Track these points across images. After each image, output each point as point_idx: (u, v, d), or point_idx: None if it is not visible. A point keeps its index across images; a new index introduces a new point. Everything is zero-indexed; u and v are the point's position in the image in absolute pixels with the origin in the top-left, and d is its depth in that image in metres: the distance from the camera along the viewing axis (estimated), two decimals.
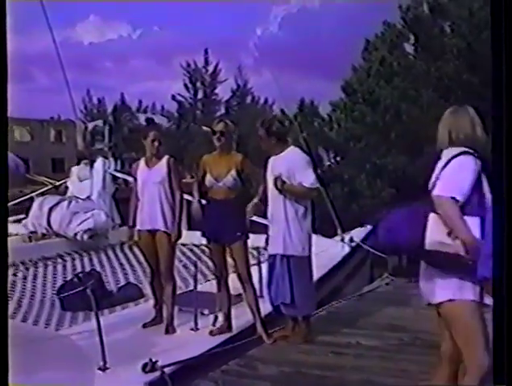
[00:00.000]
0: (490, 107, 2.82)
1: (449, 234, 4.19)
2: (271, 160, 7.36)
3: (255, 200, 7.35)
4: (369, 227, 14.91)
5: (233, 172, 7.21)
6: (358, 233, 13.17)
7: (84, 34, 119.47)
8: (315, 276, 9.91)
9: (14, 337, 6.84)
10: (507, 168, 2.79)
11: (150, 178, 7.55)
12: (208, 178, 7.28)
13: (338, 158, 29.01)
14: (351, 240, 12.37)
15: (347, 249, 12.04)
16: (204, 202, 7.43)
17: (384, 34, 28.55)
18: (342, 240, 12.35)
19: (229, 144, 7.37)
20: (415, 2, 27.74)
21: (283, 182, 7.14)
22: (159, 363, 6.08)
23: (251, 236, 7.47)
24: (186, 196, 7.74)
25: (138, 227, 7.65)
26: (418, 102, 25.66)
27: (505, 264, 2.84)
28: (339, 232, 12.82)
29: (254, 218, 7.68)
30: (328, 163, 28.90)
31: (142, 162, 7.74)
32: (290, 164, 7.20)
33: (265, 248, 7.78)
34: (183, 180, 7.89)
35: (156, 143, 7.57)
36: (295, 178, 7.17)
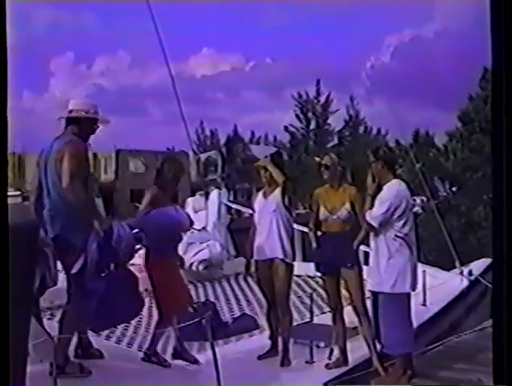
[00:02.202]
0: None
1: None
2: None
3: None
4: (489, 260, 14.54)
5: (348, 205, 7.16)
6: (477, 266, 12.82)
7: (198, 67, 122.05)
8: (433, 310, 9.73)
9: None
10: (507, 168, 2.73)
11: (266, 208, 7.57)
12: (323, 212, 7.25)
13: (454, 189, 28.48)
14: (470, 272, 12.04)
15: (466, 282, 11.71)
16: (319, 233, 7.38)
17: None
18: (461, 273, 12.03)
19: (336, 177, 7.32)
20: None
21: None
22: None
23: (368, 268, 7.37)
24: (301, 227, 7.71)
25: (255, 257, 7.66)
26: None
27: (505, 265, 2.77)
28: (457, 264, 12.51)
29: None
30: (444, 194, 28.41)
31: (260, 193, 7.79)
32: (383, 193, 7.06)
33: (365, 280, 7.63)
34: (297, 211, 7.86)
35: (266, 172, 7.61)
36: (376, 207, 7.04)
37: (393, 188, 7.08)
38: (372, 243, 7.16)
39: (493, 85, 2.80)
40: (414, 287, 7.23)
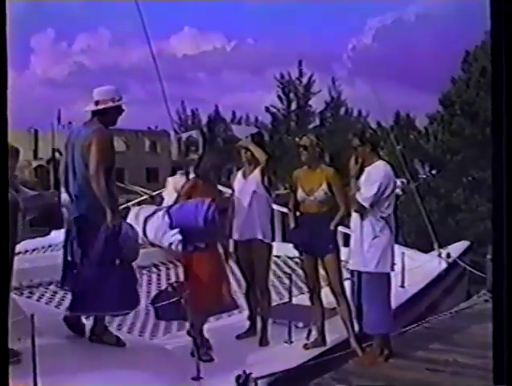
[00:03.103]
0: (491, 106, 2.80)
1: None
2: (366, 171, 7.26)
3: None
4: (467, 242, 14.65)
5: (324, 186, 7.18)
6: (456, 249, 12.91)
7: (179, 46, 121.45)
8: (411, 291, 9.80)
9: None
10: (507, 168, 2.73)
11: (246, 188, 7.57)
12: (300, 193, 7.27)
13: (434, 172, 28.57)
14: (448, 255, 12.13)
15: (444, 265, 11.79)
16: (297, 214, 7.40)
17: (485, 43, 27.98)
18: (439, 255, 12.12)
19: (315, 158, 7.33)
20: None
21: (358, 188, 7.05)
22: (253, 375, 6.06)
23: (347, 249, 7.40)
24: (280, 208, 7.71)
25: (234, 237, 7.67)
26: None
27: (505, 265, 2.79)
28: (435, 246, 12.59)
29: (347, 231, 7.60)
30: (424, 176, 28.50)
31: (239, 173, 7.79)
32: (369, 175, 7.07)
33: (347, 262, 7.67)
34: (277, 192, 7.88)
35: (248, 152, 7.61)
36: (363, 189, 7.04)
37: (380, 169, 7.11)
38: (355, 223, 7.18)
39: (493, 84, 2.78)
40: (393, 267, 7.29)
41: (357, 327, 7.34)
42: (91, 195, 6.31)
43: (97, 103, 6.61)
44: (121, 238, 6.38)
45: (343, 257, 7.58)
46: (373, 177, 7.02)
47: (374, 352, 7.19)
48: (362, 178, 7.08)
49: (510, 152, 2.75)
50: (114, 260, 6.35)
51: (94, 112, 6.63)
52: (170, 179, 14.82)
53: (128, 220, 12.93)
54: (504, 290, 2.81)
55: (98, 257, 6.30)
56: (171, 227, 7.10)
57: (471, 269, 12.52)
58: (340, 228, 7.94)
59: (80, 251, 6.42)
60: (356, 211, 7.09)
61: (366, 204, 6.95)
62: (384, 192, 6.98)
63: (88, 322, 6.88)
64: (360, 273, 7.14)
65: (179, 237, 12.14)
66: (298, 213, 7.40)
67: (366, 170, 7.13)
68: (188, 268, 7.13)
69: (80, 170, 6.41)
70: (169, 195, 14.28)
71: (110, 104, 6.61)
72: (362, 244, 7.05)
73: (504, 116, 2.75)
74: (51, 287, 9.36)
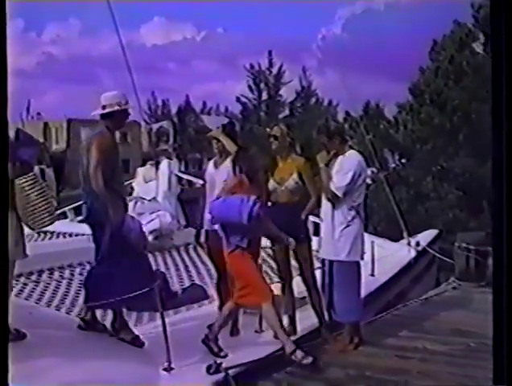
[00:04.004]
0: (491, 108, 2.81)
1: None
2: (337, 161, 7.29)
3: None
4: (435, 231, 14.78)
5: (295, 176, 7.20)
6: (425, 237, 13.01)
7: (148, 36, 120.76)
8: (381, 279, 9.88)
9: (80, 336, 6.93)
10: (507, 168, 2.76)
11: (217, 178, 7.57)
12: (271, 182, 7.28)
13: (404, 161, 28.72)
14: (417, 243, 12.24)
15: (413, 253, 11.89)
16: (269, 204, 7.41)
17: (453, 33, 28.13)
18: (409, 243, 12.22)
19: (285, 148, 7.35)
20: (487, 0, 27.28)
21: (328, 175, 7.08)
22: (224, 365, 6.09)
23: (317, 239, 7.45)
24: None
25: (205, 227, 7.68)
26: (488, 103, 25.22)
27: (505, 265, 2.83)
28: (405, 235, 12.69)
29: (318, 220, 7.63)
30: (394, 165, 28.65)
31: (210, 163, 7.79)
32: (340, 165, 7.12)
33: (317, 251, 7.71)
34: None
35: (219, 143, 7.61)
36: (335, 178, 7.09)
37: (353, 158, 7.16)
38: (325, 212, 7.21)
39: (493, 82, 2.79)
40: (362, 256, 7.35)
41: (327, 316, 7.40)
42: (95, 194, 6.58)
43: (103, 107, 6.86)
44: (124, 231, 6.51)
45: (314, 247, 7.62)
46: (346, 166, 7.06)
47: (344, 340, 7.26)
48: (334, 167, 7.12)
49: (510, 152, 2.76)
50: (123, 252, 6.48)
51: (102, 116, 6.89)
52: (139, 170, 14.80)
53: None
54: (504, 290, 2.82)
55: (107, 252, 6.51)
56: (212, 221, 6.96)
57: (440, 257, 12.64)
58: (310, 218, 7.97)
59: (94, 247, 6.75)
60: (329, 200, 7.12)
61: (340, 193, 6.99)
62: (356, 181, 7.04)
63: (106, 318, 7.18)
64: (331, 262, 7.19)
65: (150, 228, 12.19)
66: (269, 203, 7.41)
67: (338, 159, 7.17)
68: (231, 266, 6.95)
69: (85, 171, 6.72)
70: (139, 186, 14.27)
71: (117, 108, 6.85)
72: (333, 233, 7.09)
73: (504, 115, 2.76)
74: (22, 279, 9.34)
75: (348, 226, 7.07)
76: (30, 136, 7.39)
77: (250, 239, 6.74)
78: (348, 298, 7.16)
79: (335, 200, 7.07)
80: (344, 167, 7.05)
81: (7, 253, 2.94)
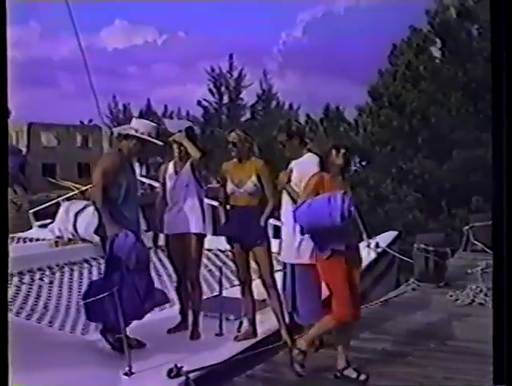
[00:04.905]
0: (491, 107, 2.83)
1: None
2: (294, 163, 7.32)
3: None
4: (394, 232, 14.87)
5: (254, 178, 7.20)
6: (384, 238, 13.10)
7: (109, 40, 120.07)
8: None
9: (40, 341, 6.89)
10: (507, 168, 2.79)
11: (178, 182, 7.57)
12: (230, 185, 7.29)
13: (364, 163, 28.90)
14: (377, 245, 12.31)
15: (373, 255, 11.97)
16: (228, 207, 7.42)
17: (410, 38, 28.42)
18: (368, 245, 12.28)
19: (245, 152, 7.35)
20: (442, 7, 27.58)
21: (288, 181, 7.11)
22: (184, 369, 6.09)
23: (277, 241, 7.46)
24: (211, 201, 7.72)
25: (166, 231, 7.67)
26: (445, 106, 25.53)
27: (505, 264, 2.84)
28: (364, 237, 12.75)
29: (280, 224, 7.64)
30: (354, 168, 28.81)
31: (170, 167, 7.77)
32: (301, 169, 7.13)
33: (278, 253, 7.74)
34: (209, 185, 7.90)
35: (181, 147, 7.60)
36: (301, 184, 7.09)
37: (313, 162, 7.17)
38: (286, 216, 7.23)
39: (494, 85, 2.81)
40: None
41: (289, 318, 7.42)
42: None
43: (136, 130, 6.98)
44: (115, 248, 6.50)
45: (274, 249, 7.64)
46: (308, 170, 7.09)
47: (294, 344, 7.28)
48: (295, 173, 7.14)
49: (510, 152, 2.79)
50: (115, 269, 6.50)
51: (124, 137, 7.00)
52: None
53: (58, 216, 12.85)
54: (504, 291, 2.83)
55: (106, 267, 6.65)
56: (302, 232, 6.51)
57: (400, 258, 12.74)
58: (271, 221, 7.98)
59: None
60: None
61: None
62: None
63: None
64: (293, 265, 7.21)
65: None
66: (228, 206, 7.42)
67: (297, 164, 7.20)
68: (324, 275, 6.49)
69: None
70: None
71: (146, 136, 6.96)
72: (295, 237, 7.11)
73: (504, 115, 2.78)
74: None
75: None
76: (12, 145, 7.44)
77: (348, 241, 6.34)
78: (310, 301, 7.19)
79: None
80: (307, 172, 7.07)
81: (7, 253, 2.93)
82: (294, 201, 7.05)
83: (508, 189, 2.83)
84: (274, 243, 7.71)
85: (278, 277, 7.59)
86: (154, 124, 7.31)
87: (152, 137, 6.93)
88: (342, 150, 6.47)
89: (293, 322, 7.44)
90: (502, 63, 2.81)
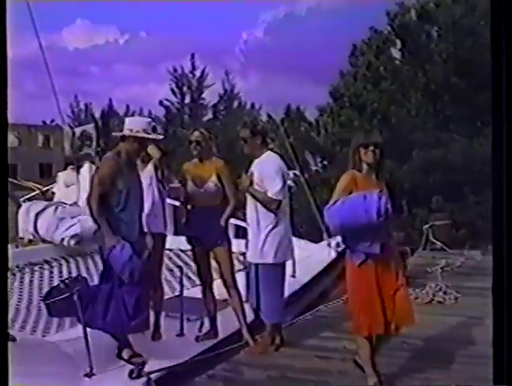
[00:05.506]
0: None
1: None
2: (254, 163, 7.36)
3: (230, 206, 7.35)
4: None
5: (214, 178, 7.23)
6: None
7: (71, 40, 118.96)
8: (303, 281, 9.98)
9: None
10: (507, 168, 2.81)
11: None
12: (190, 185, 7.29)
13: (325, 163, 29.01)
14: (338, 244, 12.35)
15: (334, 254, 12.04)
16: (189, 207, 7.43)
17: (371, 39, 28.60)
18: (329, 244, 12.35)
19: (207, 152, 7.37)
20: (403, 9, 27.80)
21: (251, 182, 7.15)
22: (146, 370, 6.09)
23: (238, 241, 7.49)
24: (173, 201, 7.70)
25: None
26: (405, 106, 25.74)
27: (505, 265, 2.86)
28: (325, 236, 12.83)
29: (242, 223, 7.67)
30: (315, 168, 28.92)
31: None
32: (263, 169, 7.18)
33: (243, 254, 7.78)
34: (171, 185, 7.89)
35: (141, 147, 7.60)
36: (263, 184, 7.15)
37: (274, 160, 7.25)
38: (251, 217, 7.27)
39: (494, 84, 2.82)
40: (291, 256, 7.55)
41: (252, 317, 7.46)
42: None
43: (131, 130, 6.68)
44: (110, 260, 6.39)
45: (235, 249, 7.68)
46: (270, 169, 7.14)
47: (266, 342, 7.32)
48: (256, 173, 7.18)
49: (511, 151, 2.81)
50: (111, 280, 6.40)
51: (121, 138, 6.75)
52: (60, 174, 14.64)
53: (19, 216, 12.73)
54: (504, 291, 2.84)
55: (100, 277, 6.65)
56: (330, 234, 6.15)
57: None
58: (234, 221, 8.00)
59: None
60: (268, 209, 7.16)
61: (280, 197, 7.08)
62: (285, 182, 7.17)
63: None
64: (256, 265, 7.25)
65: (71, 233, 12.06)
66: (189, 206, 7.43)
67: (257, 164, 7.23)
68: (352, 283, 6.11)
69: None
70: (60, 190, 14.11)
71: (142, 134, 6.67)
72: (259, 237, 7.15)
73: (504, 115, 2.81)
74: None
75: (273, 228, 7.15)
76: None
77: (383, 242, 5.83)
78: (272, 299, 7.24)
79: (275, 206, 7.15)
80: (269, 171, 7.12)
81: (7, 254, 2.92)
82: (260, 202, 7.10)
83: (508, 188, 2.85)
84: (240, 243, 7.75)
85: (240, 276, 7.63)
86: (147, 119, 7.22)
87: (148, 133, 6.75)
88: (370, 147, 6.04)
89: (256, 320, 7.49)
90: (502, 63, 2.83)
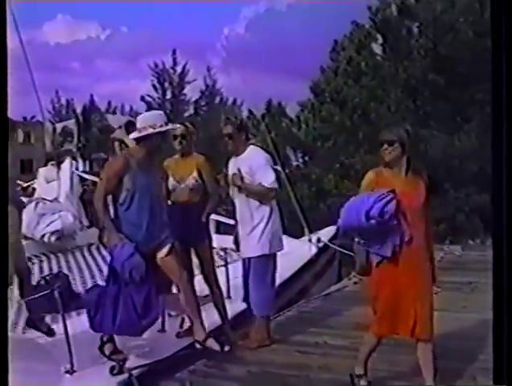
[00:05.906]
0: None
1: None
2: (233, 160, 7.39)
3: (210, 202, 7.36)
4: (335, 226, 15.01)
5: (195, 174, 7.23)
6: (326, 233, 13.22)
7: (52, 35, 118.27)
8: (283, 276, 9.99)
9: None
10: (507, 168, 2.83)
11: None
12: (171, 181, 7.28)
13: (306, 158, 29.05)
14: (318, 240, 12.41)
15: (314, 249, 12.08)
16: (169, 203, 7.42)
17: (352, 34, 28.63)
18: (310, 240, 12.39)
19: (190, 147, 7.38)
20: (384, 4, 27.84)
21: (242, 179, 7.17)
22: (127, 366, 6.09)
23: (219, 237, 7.49)
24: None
25: None
26: (385, 102, 25.79)
27: (505, 265, 2.88)
28: (306, 232, 12.87)
29: (223, 219, 7.68)
30: (296, 163, 28.95)
31: None
32: (251, 163, 7.22)
33: (232, 249, 7.80)
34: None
35: (122, 144, 7.58)
36: (255, 177, 7.19)
37: (260, 152, 7.34)
38: (242, 212, 7.31)
39: (494, 84, 2.82)
40: (282, 247, 7.62)
41: (233, 312, 7.49)
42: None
43: (139, 131, 6.49)
44: (114, 260, 6.36)
45: (216, 244, 7.69)
46: (261, 162, 7.21)
47: (262, 335, 7.37)
48: (246, 169, 7.20)
49: (511, 151, 2.81)
50: (117, 280, 6.35)
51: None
52: (41, 170, 14.55)
53: None
54: (504, 289, 2.85)
55: (107, 277, 6.56)
56: (346, 231, 5.98)
57: (342, 252, 12.87)
58: (215, 217, 8.01)
59: None
60: (264, 201, 7.21)
61: (276, 185, 7.16)
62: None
63: None
64: (249, 259, 7.29)
65: (52, 229, 12.02)
66: (170, 202, 7.42)
67: (242, 160, 7.27)
68: (374, 281, 5.88)
69: None
70: (40, 186, 14.04)
71: (151, 130, 6.44)
72: (255, 231, 7.23)
73: (504, 115, 2.81)
74: None
75: (269, 220, 7.22)
76: None
77: (395, 246, 5.54)
78: (265, 291, 7.39)
79: (273, 195, 7.29)
80: (259, 164, 7.19)
81: (7, 254, 2.92)
82: (257, 195, 7.17)
83: (508, 188, 2.86)
84: (221, 238, 7.76)
85: (220, 272, 7.65)
86: (156, 112, 7.14)
87: (161, 126, 6.45)
88: (384, 146, 5.66)
89: (243, 314, 7.52)
90: (502, 63, 2.84)
